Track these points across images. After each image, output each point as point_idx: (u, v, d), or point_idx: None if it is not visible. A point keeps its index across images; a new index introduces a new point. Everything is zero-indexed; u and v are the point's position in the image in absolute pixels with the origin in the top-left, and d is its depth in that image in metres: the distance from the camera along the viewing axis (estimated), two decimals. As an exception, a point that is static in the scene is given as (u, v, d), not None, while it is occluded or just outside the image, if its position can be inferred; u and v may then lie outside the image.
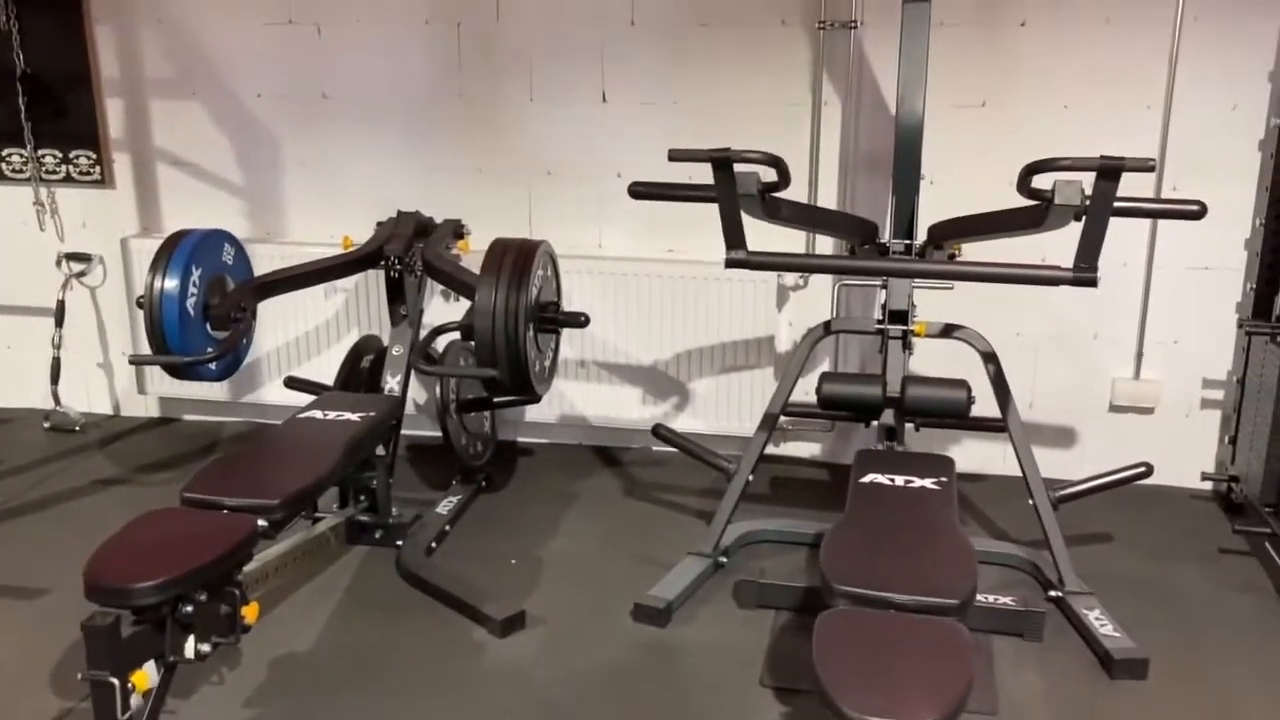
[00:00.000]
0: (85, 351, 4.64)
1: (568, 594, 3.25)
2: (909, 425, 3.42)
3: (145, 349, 3.51)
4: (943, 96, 3.62)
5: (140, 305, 3.41)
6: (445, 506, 3.70)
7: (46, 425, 4.53)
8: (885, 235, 3.53)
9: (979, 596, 2.85)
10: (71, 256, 4.50)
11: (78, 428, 4.52)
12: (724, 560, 3.35)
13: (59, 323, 4.50)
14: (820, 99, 3.89)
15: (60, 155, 4.43)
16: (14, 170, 4.45)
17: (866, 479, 2.95)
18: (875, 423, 3.40)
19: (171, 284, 3.36)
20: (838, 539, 2.59)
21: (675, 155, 2.88)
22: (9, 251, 4.55)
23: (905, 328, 3.41)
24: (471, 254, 3.98)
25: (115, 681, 2.26)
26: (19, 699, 2.73)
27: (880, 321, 3.46)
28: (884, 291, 3.47)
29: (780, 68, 3.91)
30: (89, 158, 4.42)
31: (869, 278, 3.74)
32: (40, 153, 4.41)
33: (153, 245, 3.64)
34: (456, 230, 4.10)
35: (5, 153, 4.43)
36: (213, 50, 4.27)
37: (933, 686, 2.03)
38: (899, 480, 2.94)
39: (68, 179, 4.46)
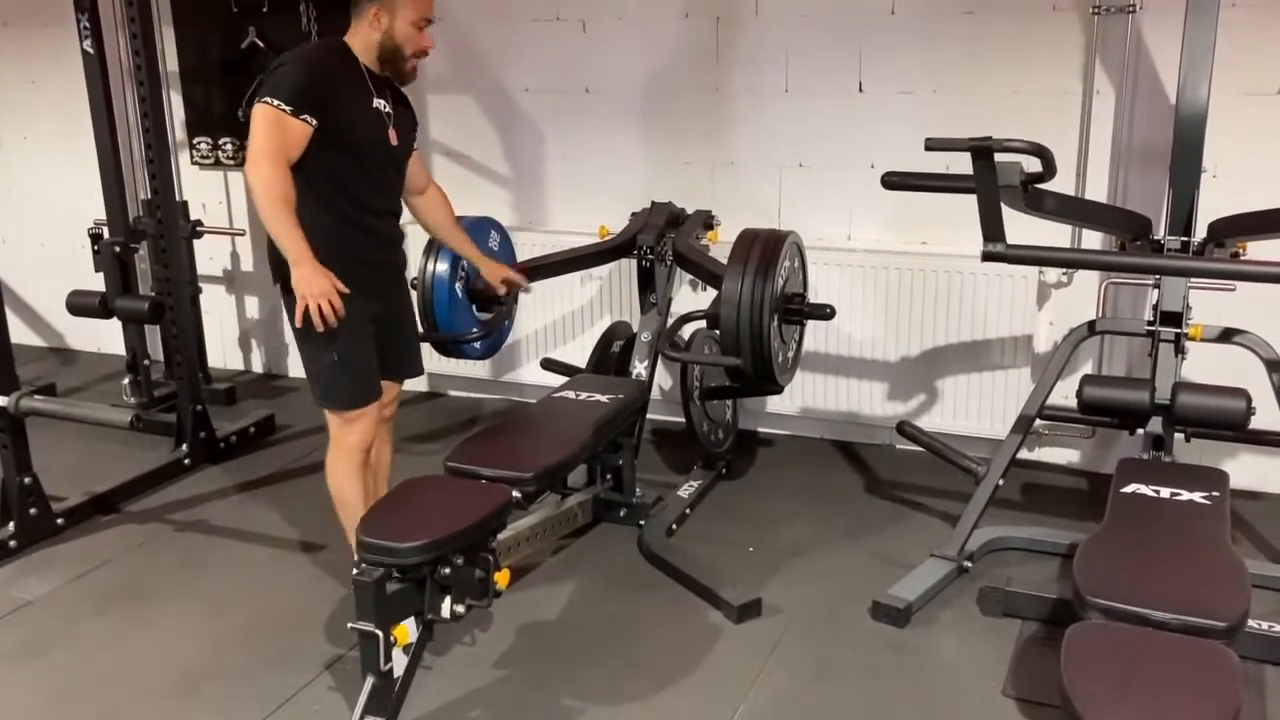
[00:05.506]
0: (363, 328, 5.01)
1: (804, 586, 3.25)
2: (1179, 435, 3.20)
3: (417, 327, 3.76)
4: (1230, 84, 3.38)
5: (414, 287, 3.66)
6: (686, 490, 3.78)
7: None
8: (1160, 231, 3.32)
9: (1251, 622, 2.66)
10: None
11: (355, 398, 4.88)
12: (968, 565, 3.24)
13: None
14: (1092, 87, 3.69)
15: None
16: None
17: (1129, 489, 2.79)
18: (1141, 431, 3.21)
19: (443, 267, 3.58)
20: (1094, 549, 2.47)
21: (932, 144, 2.79)
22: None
23: (1179, 330, 3.21)
24: (720, 244, 4.02)
25: (380, 633, 2.45)
26: (301, 641, 3.01)
27: (1151, 323, 3.26)
28: (1156, 291, 3.27)
29: (1048, 55, 3.74)
30: (373, 149, 4.74)
31: (1139, 276, 3.53)
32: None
33: (426, 231, 3.90)
34: (707, 221, 4.15)
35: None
36: (485, 47, 4.52)
37: (1195, 713, 1.90)
38: (1165, 492, 2.77)
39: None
